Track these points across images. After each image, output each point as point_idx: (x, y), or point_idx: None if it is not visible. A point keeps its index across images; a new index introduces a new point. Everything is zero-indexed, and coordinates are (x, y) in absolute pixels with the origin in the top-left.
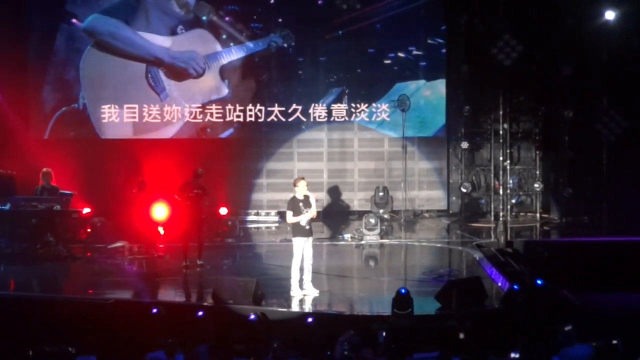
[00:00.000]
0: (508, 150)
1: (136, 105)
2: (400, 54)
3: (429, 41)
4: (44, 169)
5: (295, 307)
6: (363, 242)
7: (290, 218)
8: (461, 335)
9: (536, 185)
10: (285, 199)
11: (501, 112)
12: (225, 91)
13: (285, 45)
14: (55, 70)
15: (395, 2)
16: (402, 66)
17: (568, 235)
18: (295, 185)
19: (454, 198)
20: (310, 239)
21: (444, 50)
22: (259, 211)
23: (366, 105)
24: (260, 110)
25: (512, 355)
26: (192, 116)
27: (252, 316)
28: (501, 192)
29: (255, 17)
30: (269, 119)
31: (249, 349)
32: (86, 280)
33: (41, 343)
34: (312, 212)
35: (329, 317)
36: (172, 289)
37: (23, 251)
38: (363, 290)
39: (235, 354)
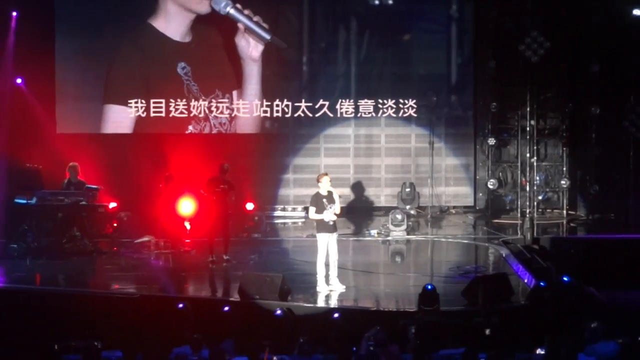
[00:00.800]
0: (535, 147)
1: (163, 100)
2: (428, 49)
3: (457, 37)
4: (71, 163)
5: (321, 303)
6: (389, 237)
7: (312, 214)
8: (487, 332)
9: (563, 182)
10: (311, 195)
11: (528, 109)
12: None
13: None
14: (82, 64)
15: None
16: (430, 62)
17: (595, 232)
18: (318, 181)
19: (480, 194)
20: (335, 234)
21: (471, 46)
22: (286, 206)
23: (393, 101)
24: (287, 106)
25: (538, 351)
26: (219, 111)
27: (278, 311)
28: (528, 188)
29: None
30: (295, 115)
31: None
32: (112, 275)
33: (67, 338)
34: (335, 209)
35: (355, 312)
36: (198, 284)
37: (49, 245)
38: (389, 286)
39: (261, 349)
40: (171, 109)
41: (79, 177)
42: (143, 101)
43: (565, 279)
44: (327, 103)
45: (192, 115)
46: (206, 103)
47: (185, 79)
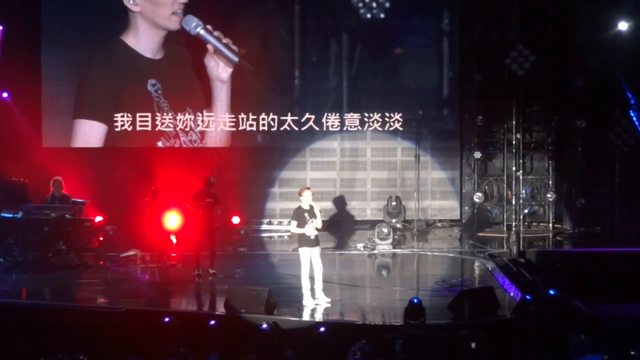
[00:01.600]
0: (521, 160)
1: (149, 114)
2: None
3: (443, 51)
4: (55, 178)
5: (307, 317)
6: (375, 251)
7: (294, 228)
8: (473, 345)
9: (549, 195)
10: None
11: (514, 122)
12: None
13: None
14: (68, 79)
15: (410, 13)
16: (416, 75)
17: (581, 245)
18: (300, 194)
19: (466, 208)
20: (317, 248)
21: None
22: (272, 220)
23: (379, 114)
24: (273, 119)
25: None
26: (205, 125)
27: (265, 325)
28: (514, 202)
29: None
30: (281, 128)
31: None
32: (98, 289)
33: (53, 351)
34: (316, 223)
35: (341, 326)
36: (184, 298)
37: (35, 259)
38: (375, 299)
39: None
40: (157, 122)
41: (63, 191)
42: (129, 115)
43: (551, 292)
44: (313, 117)
45: (157, 130)
46: (192, 117)
47: (155, 95)
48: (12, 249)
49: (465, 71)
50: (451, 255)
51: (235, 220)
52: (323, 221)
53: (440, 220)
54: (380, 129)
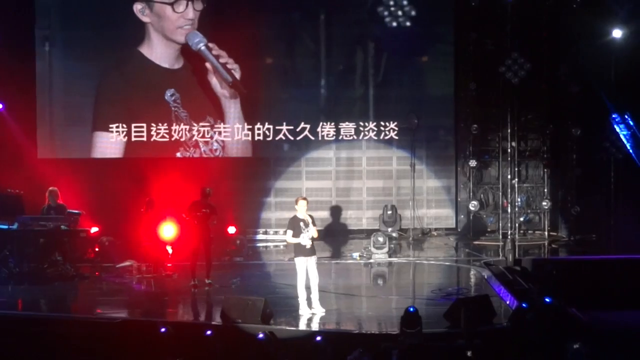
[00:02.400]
0: (516, 169)
1: (144, 124)
2: (409, 71)
3: (437, 59)
4: (50, 188)
5: (303, 326)
6: (371, 260)
7: (289, 238)
8: (469, 354)
9: (544, 203)
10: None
11: (509, 130)
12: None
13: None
14: (62, 89)
15: (404, 20)
16: (411, 84)
17: (576, 253)
18: (296, 204)
19: (462, 216)
20: (313, 258)
21: (453, 69)
22: (267, 230)
23: (374, 123)
24: (268, 129)
25: None
26: (200, 135)
27: (261, 335)
28: (509, 210)
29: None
30: (277, 138)
31: None
32: (94, 300)
33: None
34: (312, 232)
35: (337, 335)
36: (180, 308)
37: (31, 270)
38: (371, 308)
39: None
40: (152, 133)
41: (59, 201)
42: (124, 125)
43: (547, 300)
44: (308, 126)
45: (180, 140)
46: (187, 127)
47: (173, 105)
48: (8, 260)
49: (460, 79)
50: (447, 263)
51: (231, 230)
52: (318, 230)
53: (436, 229)
54: (375, 138)
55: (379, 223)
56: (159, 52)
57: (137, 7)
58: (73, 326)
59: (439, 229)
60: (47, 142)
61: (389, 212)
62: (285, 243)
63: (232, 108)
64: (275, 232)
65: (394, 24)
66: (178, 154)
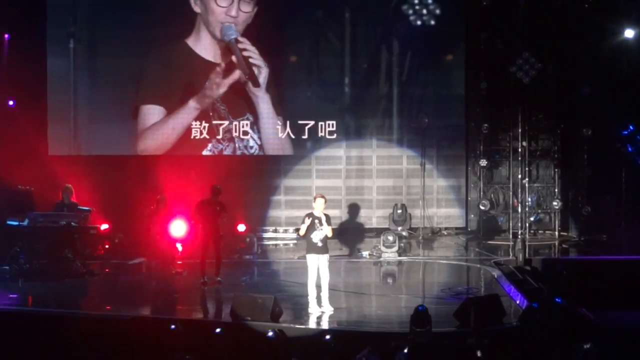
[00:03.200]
0: (527, 168)
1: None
2: (420, 70)
3: (449, 58)
4: (65, 185)
5: (313, 324)
6: (381, 259)
7: (302, 229)
8: (479, 353)
9: (555, 203)
10: (304, 214)
11: (520, 130)
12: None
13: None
14: (74, 87)
15: (415, 20)
16: (422, 82)
17: (587, 253)
18: (314, 201)
19: (472, 216)
20: (325, 256)
21: (463, 68)
22: (277, 228)
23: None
24: (279, 127)
25: None
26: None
27: (270, 333)
28: (520, 209)
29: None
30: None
31: None
32: (104, 297)
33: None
34: (325, 231)
35: (347, 334)
36: (190, 306)
37: (41, 267)
38: (381, 307)
39: None
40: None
41: (73, 198)
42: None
43: (557, 300)
44: (319, 124)
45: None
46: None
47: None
48: (19, 256)
49: (470, 79)
50: (457, 263)
51: (241, 228)
52: (332, 229)
53: (446, 228)
54: (385, 136)
55: (389, 222)
56: (205, 44)
57: None
58: (83, 323)
59: (449, 229)
60: (58, 139)
61: (399, 211)
62: (294, 241)
63: (260, 104)
64: (285, 230)
65: (418, 22)
66: (206, 151)
